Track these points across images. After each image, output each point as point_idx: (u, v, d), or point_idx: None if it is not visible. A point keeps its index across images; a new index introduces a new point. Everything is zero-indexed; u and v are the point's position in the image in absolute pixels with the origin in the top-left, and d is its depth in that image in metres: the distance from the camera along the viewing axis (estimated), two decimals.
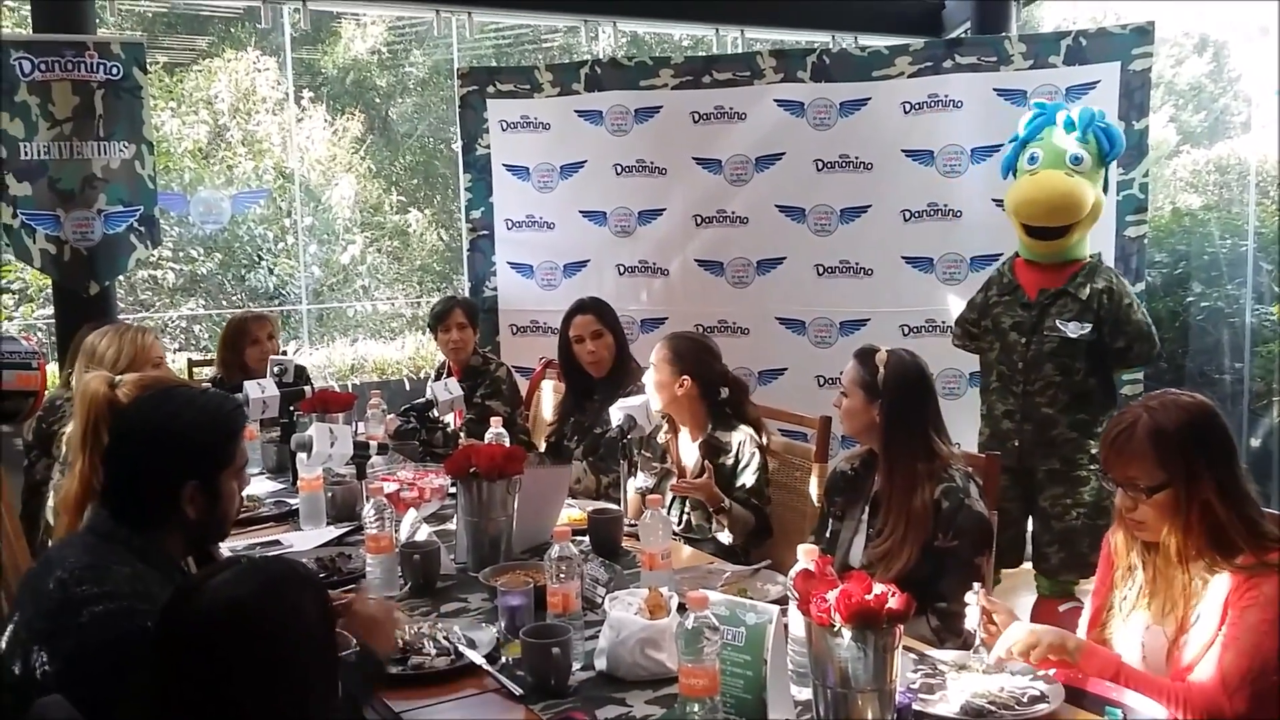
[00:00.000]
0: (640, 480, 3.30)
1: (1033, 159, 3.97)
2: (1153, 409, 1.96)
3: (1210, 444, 1.93)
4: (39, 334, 8.13)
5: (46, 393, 3.75)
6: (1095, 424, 3.75)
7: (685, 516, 3.22)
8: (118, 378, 2.42)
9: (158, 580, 1.80)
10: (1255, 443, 5.82)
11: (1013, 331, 3.86)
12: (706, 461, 3.12)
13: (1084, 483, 3.79)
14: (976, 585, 2.06)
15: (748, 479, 3.14)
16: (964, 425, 4.05)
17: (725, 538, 3.12)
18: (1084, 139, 3.88)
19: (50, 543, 2.54)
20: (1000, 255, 4.28)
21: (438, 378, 4.33)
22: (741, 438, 3.18)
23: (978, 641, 2.03)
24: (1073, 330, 3.73)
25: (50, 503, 2.90)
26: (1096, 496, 3.75)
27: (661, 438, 3.35)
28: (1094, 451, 3.69)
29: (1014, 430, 3.85)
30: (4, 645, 1.77)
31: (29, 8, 5.00)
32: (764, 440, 3.24)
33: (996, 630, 1.99)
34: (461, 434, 4.01)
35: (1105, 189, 4.00)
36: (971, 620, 2.04)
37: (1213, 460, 1.92)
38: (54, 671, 1.69)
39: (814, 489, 3.16)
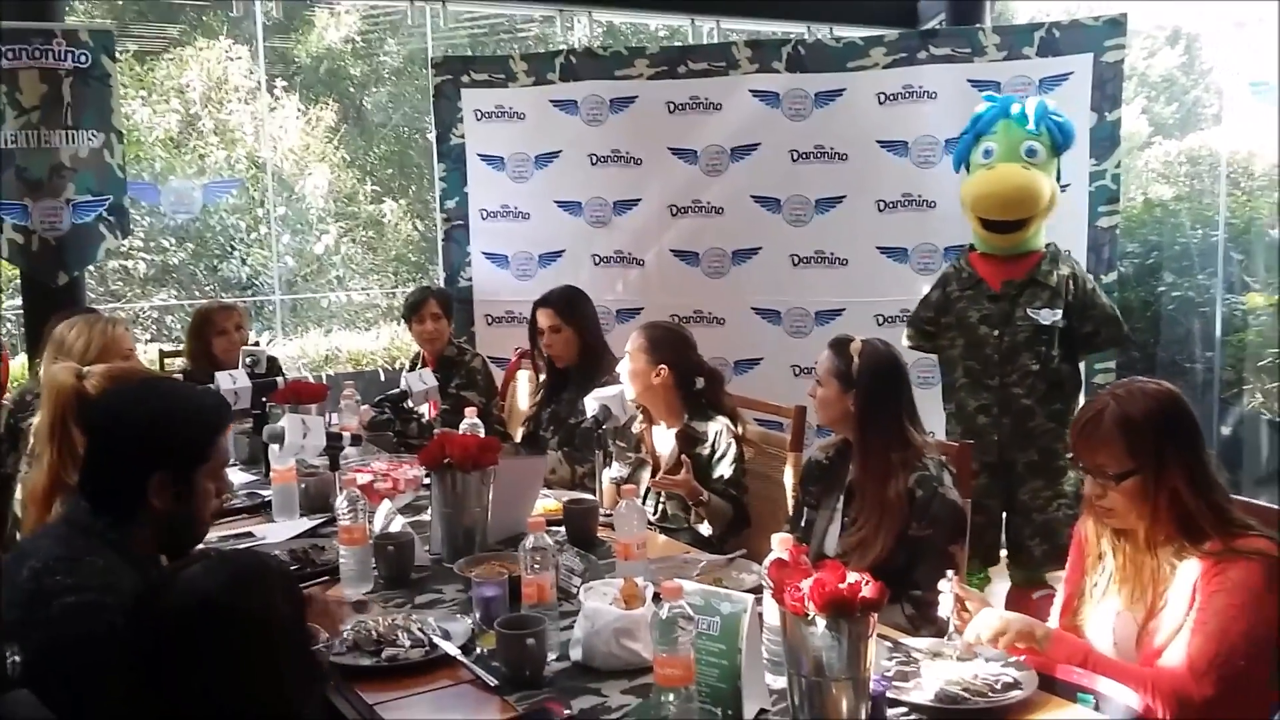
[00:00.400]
0: (615, 470, 3.30)
1: (987, 153, 3.99)
2: (1120, 397, 1.97)
3: (1178, 431, 1.95)
4: (8, 325, 8.04)
5: (15, 385, 3.70)
6: (1068, 412, 3.76)
7: (661, 507, 3.22)
8: (85, 369, 2.39)
9: (130, 574, 1.78)
10: (1226, 431, 5.88)
11: (982, 325, 3.86)
12: (684, 455, 3.11)
13: (1063, 473, 3.80)
14: (950, 573, 2.07)
15: (724, 469, 3.14)
16: (939, 414, 4.07)
17: (705, 529, 3.12)
18: (1038, 131, 3.90)
19: (19, 536, 2.51)
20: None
21: (413, 369, 4.31)
22: (718, 428, 3.18)
23: (951, 629, 2.04)
24: (1046, 317, 3.75)
25: (18, 495, 2.86)
26: (1076, 487, 3.75)
27: (636, 428, 3.34)
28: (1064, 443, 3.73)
29: (991, 425, 3.85)
30: None
31: None
32: (739, 430, 3.24)
33: (969, 617, 2.01)
34: (437, 424, 4.00)
35: (1059, 180, 4.01)
36: (945, 608, 2.05)
37: (1180, 447, 1.94)
38: (24, 663, 1.67)
39: (789, 478, 3.17)
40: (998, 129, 3.96)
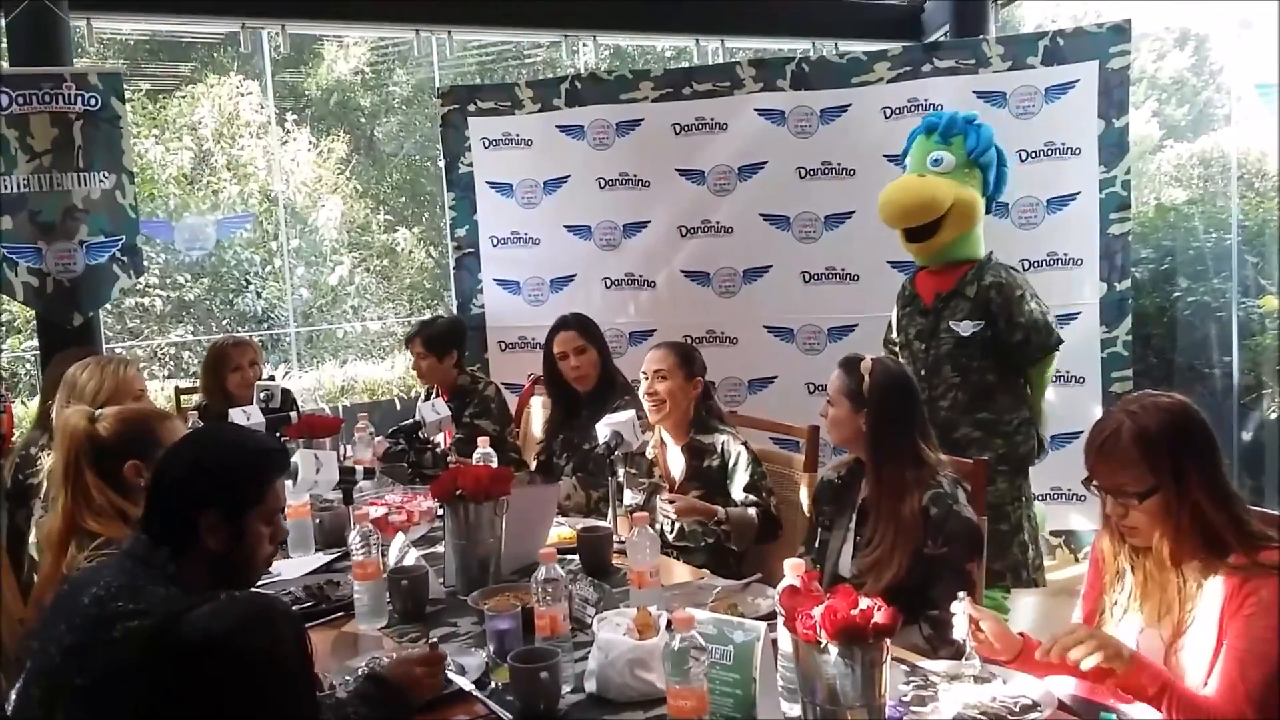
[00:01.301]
0: (629, 498, 3.28)
1: (904, 169, 4.02)
2: (1134, 413, 1.93)
3: (1195, 443, 1.92)
4: (26, 366, 8.11)
5: (17, 434, 3.72)
6: (1000, 422, 3.72)
7: (677, 525, 3.20)
8: (98, 412, 2.41)
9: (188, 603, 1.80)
10: (1246, 436, 5.82)
11: (916, 340, 3.87)
12: (691, 478, 3.10)
13: (990, 481, 3.74)
14: (962, 594, 2.04)
15: (742, 478, 3.13)
16: None
17: (735, 545, 3.09)
18: (945, 141, 3.89)
19: (36, 580, 2.51)
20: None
21: (427, 398, 4.32)
22: (724, 438, 3.20)
23: (969, 649, 2.02)
24: (965, 329, 3.73)
25: (32, 539, 2.88)
26: (997, 499, 3.67)
27: (650, 452, 3.34)
28: (1001, 451, 3.69)
29: None
30: (26, 671, 1.79)
31: (5, 41, 4.99)
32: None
33: (985, 638, 1.98)
34: (451, 454, 4.00)
35: (992, 186, 3.95)
36: (960, 629, 2.02)
37: (1198, 459, 1.91)
38: (83, 686, 1.68)
39: (804, 498, 3.15)
40: (914, 146, 3.99)
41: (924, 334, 3.84)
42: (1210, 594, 1.88)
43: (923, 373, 3.79)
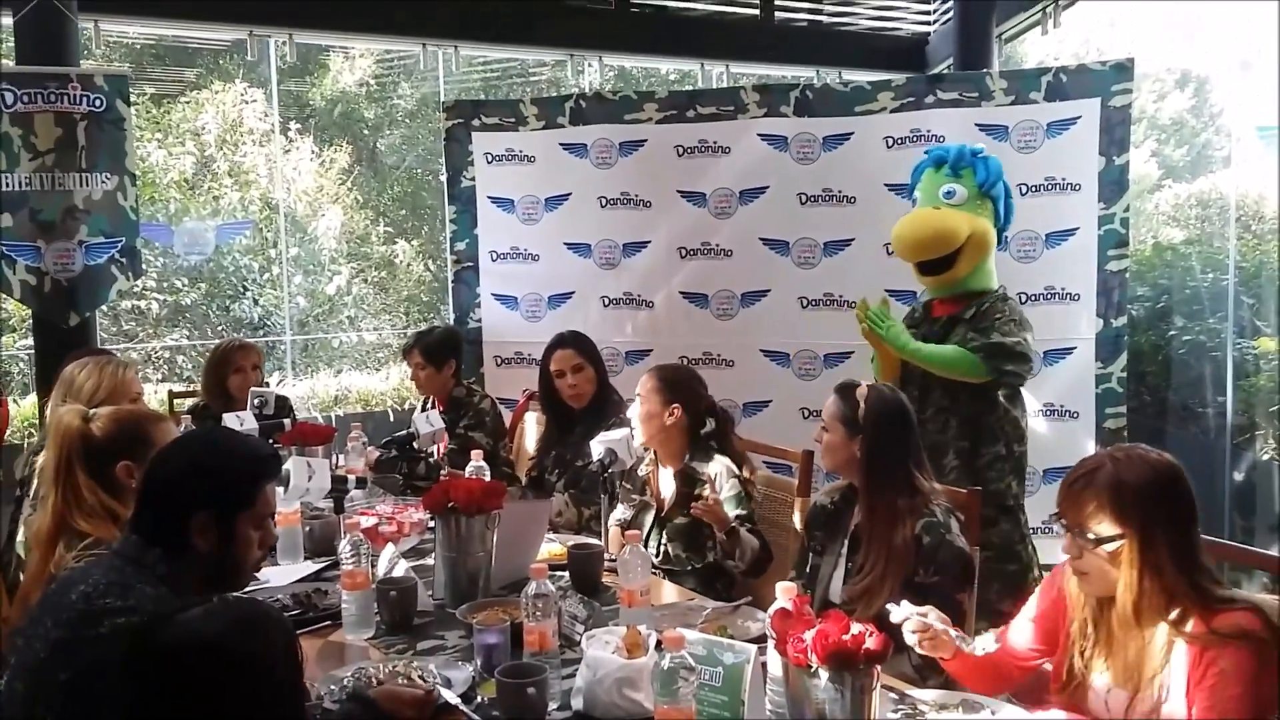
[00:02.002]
0: (619, 512, 3.27)
1: (914, 202, 4.02)
2: (1119, 460, 1.91)
3: (1171, 506, 1.87)
4: (20, 364, 8.08)
5: (16, 426, 3.70)
6: (976, 456, 3.69)
7: (663, 549, 3.19)
8: (91, 411, 2.40)
9: (177, 604, 1.78)
10: (1238, 477, 5.83)
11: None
12: (711, 484, 3.07)
13: (990, 523, 3.65)
14: (903, 603, 2.04)
15: (732, 509, 3.11)
16: None
17: (737, 564, 3.06)
18: (955, 174, 3.88)
19: (22, 578, 2.50)
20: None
21: (423, 409, 4.31)
22: (718, 468, 3.15)
23: (917, 654, 2.03)
24: None
25: (20, 537, 2.86)
26: (1005, 540, 3.66)
27: (644, 470, 3.33)
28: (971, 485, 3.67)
29: None
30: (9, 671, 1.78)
31: (12, 39, 5.00)
32: (744, 474, 3.21)
33: (930, 645, 2.00)
34: (444, 465, 3.99)
35: (1003, 219, 3.96)
36: (909, 636, 2.03)
37: (1171, 523, 1.86)
38: (67, 681, 1.68)
39: (797, 523, 3.14)
40: (923, 178, 3.97)
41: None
42: (1177, 663, 1.84)
43: (916, 393, 3.79)
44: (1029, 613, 2.18)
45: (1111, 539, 1.87)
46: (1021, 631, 2.18)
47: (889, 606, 2.04)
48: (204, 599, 1.53)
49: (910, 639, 2.02)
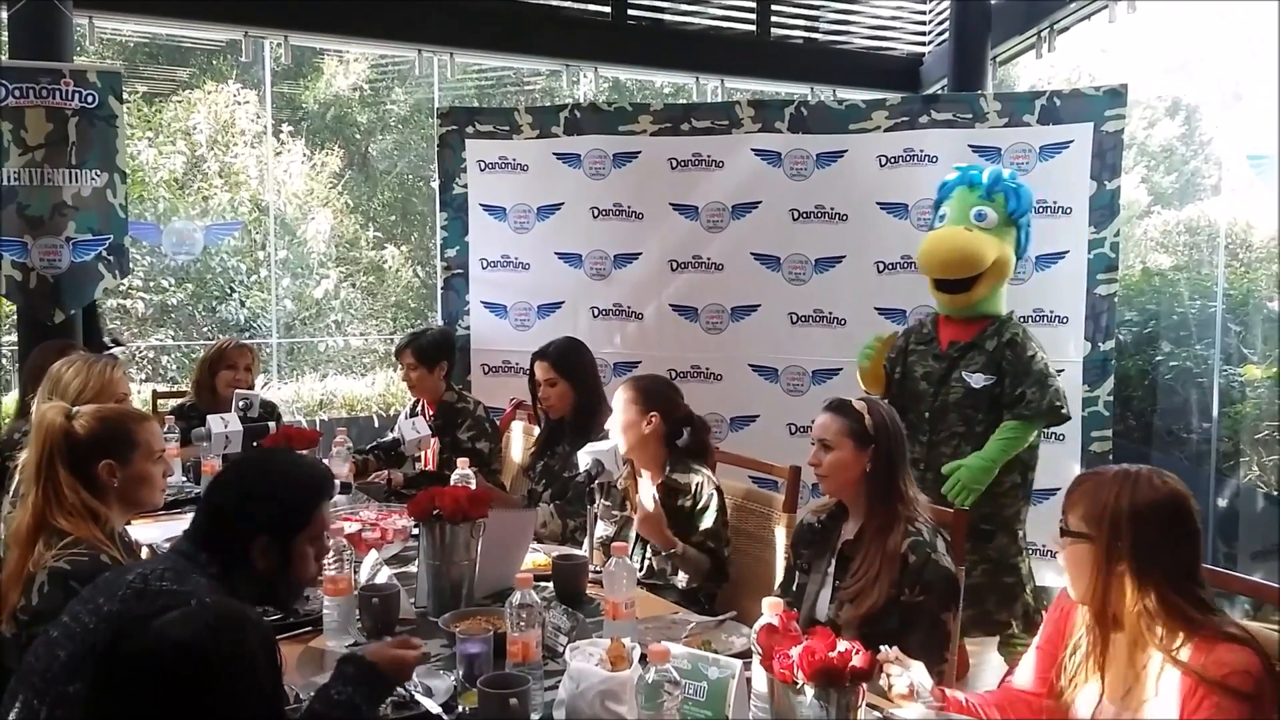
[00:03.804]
0: (601, 530, 3.26)
1: (942, 217, 4.03)
2: (1126, 474, 1.92)
3: (1164, 531, 1.87)
4: (2, 360, 8.02)
5: (5, 420, 3.67)
6: (994, 483, 3.72)
7: (647, 562, 3.18)
8: (75, 409, 2.38)
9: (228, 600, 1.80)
10: (1222, 503, 5.85)
11: (923, 381, 3.88)
12: (656, 504, 3.08)
13: (990, 538, 3.76)
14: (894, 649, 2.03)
15: (706, 521, 3.11)
16: None
17: (680, 580, 3.09)
18: (989, 197, 3.91)
19: (2, 576, 2.46)
20: None
21: (410, 414, 4.28)
22: (700, 479, 3.17)
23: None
24: (977, 381, 3.75)
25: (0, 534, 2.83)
26: (1002, 554, 3.74)
27: (620, 484, 3.31)
28: (986, 510, 3.69)
29: (919, 479, 3.80)
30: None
31: (5, 33, 4.97)
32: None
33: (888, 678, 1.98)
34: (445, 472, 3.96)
35: (1024, 246, 4.00)
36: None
37: (1145, 545, 1.86)
38: (108, 653, 1.66)
39: (781, 539, 3.13)
40: (954, 195, 3.99)
41: (932, 377, 3.85)
42: (1167, 689, 1.84)
43: (927, 415, 3.80)
44: (1036, 641, 2.19)
45: (1076, 535, 1.91)
46: (1025, 667, 2.18)
47: (881, 649, 2.01)
48: (178, 601, 1.52)
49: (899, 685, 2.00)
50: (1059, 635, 2.10)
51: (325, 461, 3.78)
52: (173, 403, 4.88)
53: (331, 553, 2.45)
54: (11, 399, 5.96)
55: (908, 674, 1.95)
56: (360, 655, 1.95)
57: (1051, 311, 4.73)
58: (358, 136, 12.57)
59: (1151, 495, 1.89)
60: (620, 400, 3.24)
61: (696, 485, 3.16)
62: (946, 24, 6.51)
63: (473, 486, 3.01)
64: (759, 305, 5.12)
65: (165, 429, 3.51)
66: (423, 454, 4.00)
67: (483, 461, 3.99)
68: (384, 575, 2.67)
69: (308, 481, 2.04)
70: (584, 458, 3.12)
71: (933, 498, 3.74)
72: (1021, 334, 3.81)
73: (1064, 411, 3.71)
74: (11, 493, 2.83)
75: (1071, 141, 4.70)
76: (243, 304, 10.36)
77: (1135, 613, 1.87)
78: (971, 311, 3.87)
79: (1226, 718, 1.76)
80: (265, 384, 7.88)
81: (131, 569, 1.88)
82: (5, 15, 4.85)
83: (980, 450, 3.69)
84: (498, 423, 4.70)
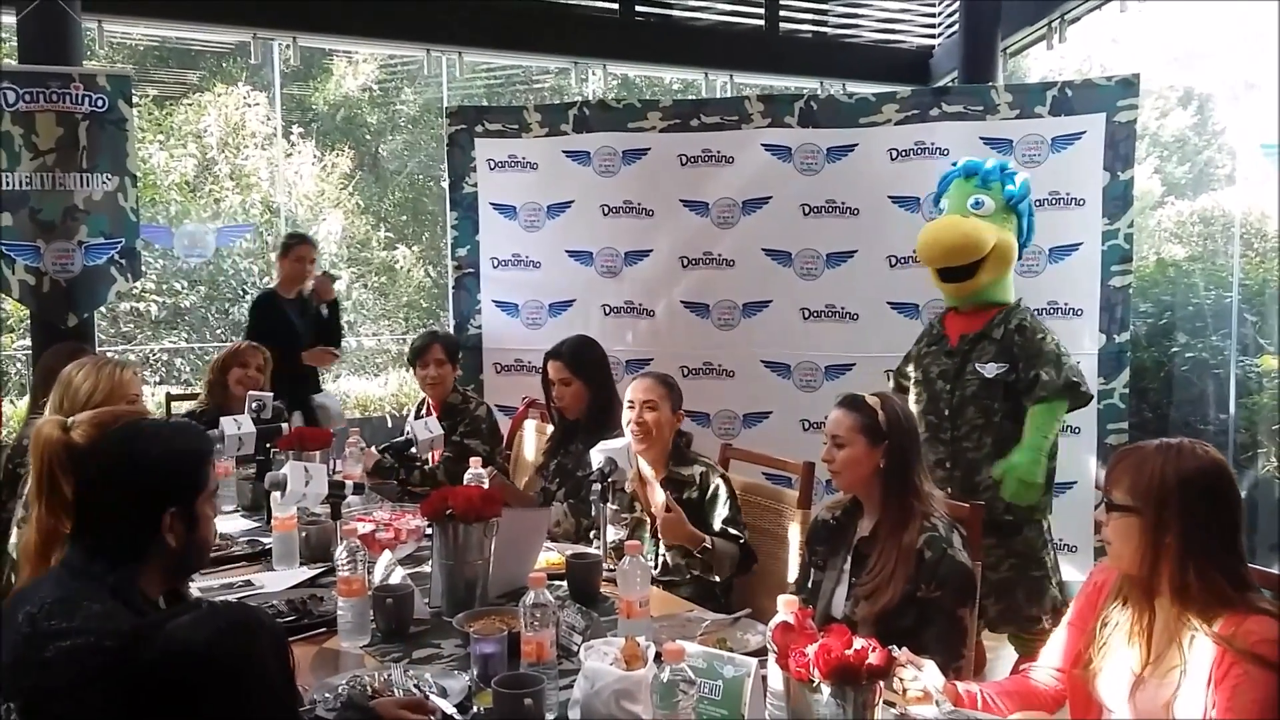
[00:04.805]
0: (612, 534, 3.24)
1: (941, 210, 4.01)
2: (1164, 446, 1.94)
3: (1200, 497, 1.88)
4: (18, 365, 8.06)
5: (15, 424, 3.67)
6: None
7: (662, 558, 3.17)
8: (70, 420, 2.35)
9: (128, 618, 1.75)
10: (1240, 494, 5.80)
11: (939, 380, 3.85)
12: (670, 501, 3.07)
13: (1017, 530, 3.73)
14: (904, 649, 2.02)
15: (722, 510, 3.11)
16: None
17: (715, 577, 3.07)
18: (985, 185, 3.88)
19: (15, 584, 2.47)
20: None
21: (418, 415, 4.28)
22: (700, 469, 3.18)
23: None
24: (990, 371, 3.72)
25: (13, 540, 2.83)
26: (1029, 547, 3.71)
27: (628, 486, 3.30)
28: (1009, 502, 3.67)
29: (946, 478, 3.79)
30: None
31: (15, 38, 4.98)
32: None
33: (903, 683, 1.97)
34: (440, 473, 3.96)
35: (1026, 235, 3.97)
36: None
37: (1195, 514, 1.87)
38: (21, 709, 1.64)
39: (795, 536, 3.11)
40: (952, 187, 3.97)
41: (948, 374, 3.82)
42: (1197, 659, 1.85)
43: (946, 412, 3.78)
44: (1067, 618, 2.19)
45: (1123, 509, 1.91)
46: (1055, 645, 2.18)
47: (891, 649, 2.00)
48: (189, 605, 1.51)
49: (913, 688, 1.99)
50: (1090, 609, 2.10)
51: (339, 463, 3.81)
52: (185, 406, 4.89)
53: (346, 554, 2.45)
54: (24, 404, 5.98)
55: (921, 676, 1.94)
56: (367, 705, 1.92)
57: (1066, 303, 4.70)
58: (368, 137, 12.60)
59: (1196, 464, 1.90)
60: (652, 395, 3.23)
61: (700, 475, 3.16)
62: (956, 16, 6.48)
63: (485, 486, 3.01)
64: (770, 301, 5.10)
65: None
66: (432, 454, 4.00)
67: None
68: (398, 576, 2.67)
69: (193, 440, 1.95)
70: (596, 456, 3.11)
71: (958, 495, 3.76)
72: (1030, 318, 3.79)
73: (1083, 389, 3.67)
74: (22, 505, 2.83)
75: (1084, 132, 4.67)
76: None
77: (1177, 583, 1.88)
78: (978, 300, 3.85)
79: (1254, 685, 1.77)
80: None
81: (20, 606, 1.75)
82: (15, 19, 4.86)
83: (1020, 445, 3.67)
84: (508, 422, 4.70)
